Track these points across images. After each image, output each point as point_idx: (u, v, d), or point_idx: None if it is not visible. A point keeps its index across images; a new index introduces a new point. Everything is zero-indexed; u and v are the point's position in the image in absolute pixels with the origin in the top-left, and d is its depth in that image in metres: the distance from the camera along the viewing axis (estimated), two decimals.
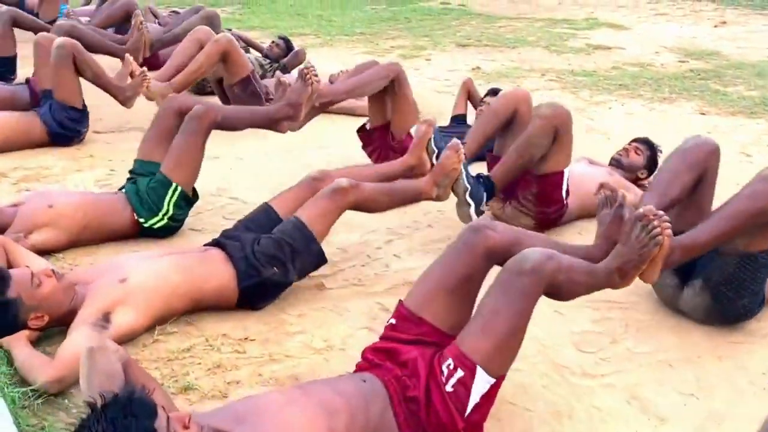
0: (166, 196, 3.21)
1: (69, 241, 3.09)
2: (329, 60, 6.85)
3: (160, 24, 6.59)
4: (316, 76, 3.67)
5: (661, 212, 2.17)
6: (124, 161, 3.82)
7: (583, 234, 3.46)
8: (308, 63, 3.85)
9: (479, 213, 3.24)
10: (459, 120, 4.86)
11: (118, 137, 4.67)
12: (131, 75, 4.49)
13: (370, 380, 2.01)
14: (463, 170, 3.17)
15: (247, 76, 4.87)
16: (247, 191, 3.83)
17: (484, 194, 3.31)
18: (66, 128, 4.39)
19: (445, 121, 4.84)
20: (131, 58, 4.56)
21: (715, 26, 9.09)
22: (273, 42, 6.17)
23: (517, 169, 3.39)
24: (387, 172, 3.23)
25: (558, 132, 3.30)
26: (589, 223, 3.49)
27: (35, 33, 5.13)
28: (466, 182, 3.20)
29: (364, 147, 4.25)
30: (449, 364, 1.96)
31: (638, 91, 6.08)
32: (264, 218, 2.90)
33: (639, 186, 3.83)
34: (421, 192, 3.06)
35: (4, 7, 5.68)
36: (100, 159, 4.28)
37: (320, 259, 2.82)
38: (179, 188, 3.22)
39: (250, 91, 4.89)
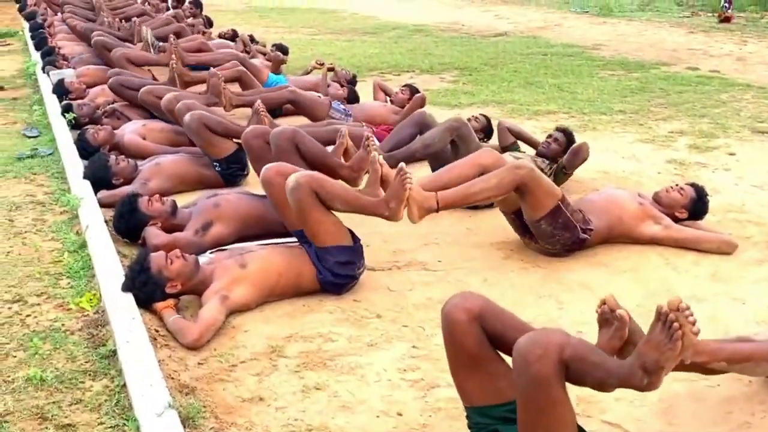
0: None
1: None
2: (601, 151, 5.56)
3: None
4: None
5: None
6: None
7: None
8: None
9: None
10: None
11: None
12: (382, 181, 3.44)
13: None
14: None
15: (557, 206, 3.64)
16: None
17: None
18: (338, 275, 3.35)
19: None
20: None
21: None
22: (551, 137, 4.94)
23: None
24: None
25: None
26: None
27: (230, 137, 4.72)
28: None
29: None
30: None
31: None
32: None
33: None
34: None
35: (196, 113, 4.81)
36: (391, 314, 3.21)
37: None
38: None
39: (563, 223, 3.66)
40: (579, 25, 14.11)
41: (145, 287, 3.09)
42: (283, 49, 9.02)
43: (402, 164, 3.26)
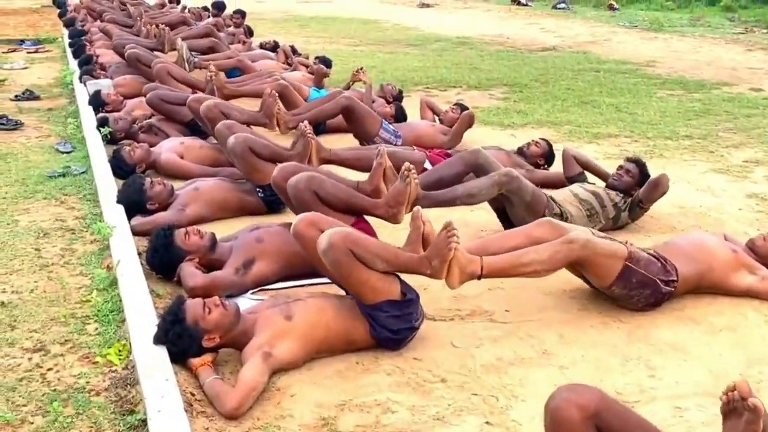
0: None
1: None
2: (673, 182, 5.08)
3: None
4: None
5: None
6: None
7: None
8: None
9: None
10: None
11: None
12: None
13: None
14: None
15: (625, 266, 3.21)
16: None
17: None
18: (394, 331, 2.95)
19: None
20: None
21: None
22: (623, 168, 4.49)
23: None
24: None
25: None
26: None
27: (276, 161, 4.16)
28: None
29: None
30: None
31: None
32: None
33: None
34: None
35: (240, 136, 4.38)
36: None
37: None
38: None
39: (638, 282, 3.24)
40: (629, 40, 13.59)
41: (179, 340, 2.75)
42: (326, 62, 8.68)
43: (450, 221, 2.93)
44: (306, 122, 4.59)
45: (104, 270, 3.43)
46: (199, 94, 5.71)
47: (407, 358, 2.95)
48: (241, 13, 11.87)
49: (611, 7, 19.16)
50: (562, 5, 19.39)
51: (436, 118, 6.37)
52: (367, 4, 20.33)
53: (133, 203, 4.18)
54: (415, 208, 3.10)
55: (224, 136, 4.38)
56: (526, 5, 20.29)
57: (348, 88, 7.69)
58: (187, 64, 7.50)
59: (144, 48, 7.80)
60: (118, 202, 4.21)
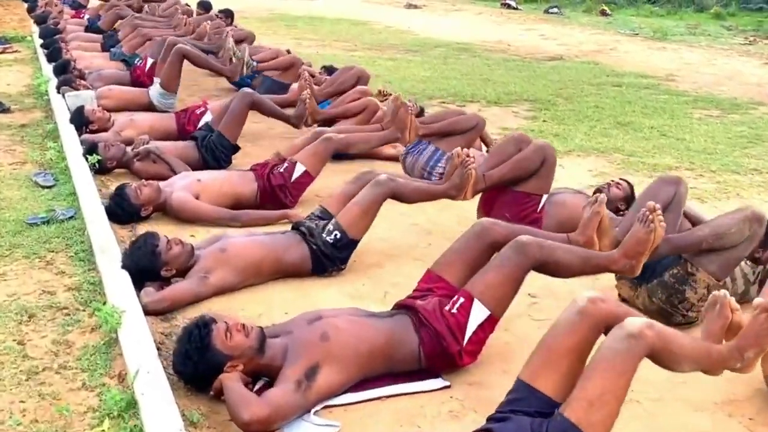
0: None
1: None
2: None
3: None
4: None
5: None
6: None
7: None
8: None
9: None
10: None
11: None
12: None
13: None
14: None
15: None
16: None
17: None
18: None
19: None
20: None
21: None
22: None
23: None
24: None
25: None
26: None
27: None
28: None
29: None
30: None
31: None
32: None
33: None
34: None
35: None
36: None
37: None
38: None
39: None
40: (636, 50, 12.94)
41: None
42: (332, 72, 7.83)
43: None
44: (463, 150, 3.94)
45: (115, 382, 2.54)
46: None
47: None
48: (226, 13, 10.89)
49: (603, 13, 18.59)
50: (555, 10, 18.73)
51: (484, 147, 5.55)
52: (351, 3, 19.42)
53: (144, 270, 3.29)
54: (721, 292, 2.41)
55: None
56: (516, 8, 19.61)
57: None
58: (246, 68, 7.06)
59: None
60: (125, 267, 3.32)
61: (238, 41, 8.10)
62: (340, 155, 5.22)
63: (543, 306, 3.48)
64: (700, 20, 17.74)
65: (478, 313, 2.74)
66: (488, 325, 2.78)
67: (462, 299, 2.76)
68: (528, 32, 15.12)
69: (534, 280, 2.98)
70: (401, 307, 2.94)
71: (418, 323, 2.80)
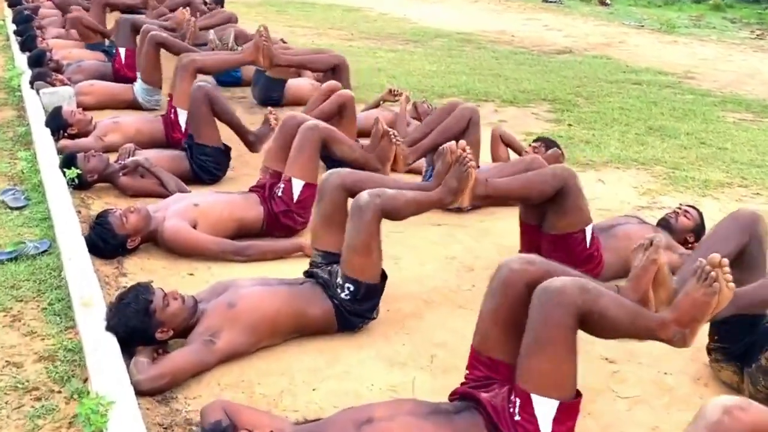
0: None
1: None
2: None
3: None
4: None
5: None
6: None
7: None
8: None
9: None
10: None
11: None
12: None
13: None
14: None
15: None
16: None
17: None
18: None
19: None
20: None
21: None
22: None
23: None
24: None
25: None
26: None
27: None
28: None
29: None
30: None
31: None
32: None
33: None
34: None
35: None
36: None
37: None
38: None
39: None
40: (646, 43, 12.34)
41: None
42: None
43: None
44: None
45: None
46: (296, 113, 4.26)
47: None
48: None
49: (602, 2, 18.02)
50: None
51: (513, 154, 4.90)
52: None
53: (135, 332, 2.62)
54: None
55: None
56: None
57: (377, 106, 6.23)
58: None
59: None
60: (110, 329, 2.64)
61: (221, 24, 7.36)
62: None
63: (626, 374, 2.86)
64: (700, 11, 17.25)
65: (543, 407, 2.12)
66: (565, 414, 2.13)
67: (518, 400, 2.15)
68: (530, 22, 14.48)
69: None
70: (463, 395, 2.31)
71: (489, 423, 2.17)
